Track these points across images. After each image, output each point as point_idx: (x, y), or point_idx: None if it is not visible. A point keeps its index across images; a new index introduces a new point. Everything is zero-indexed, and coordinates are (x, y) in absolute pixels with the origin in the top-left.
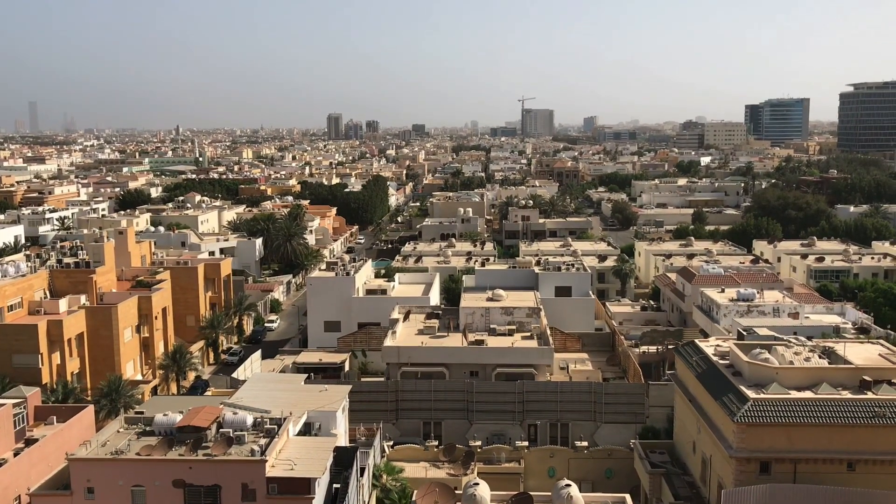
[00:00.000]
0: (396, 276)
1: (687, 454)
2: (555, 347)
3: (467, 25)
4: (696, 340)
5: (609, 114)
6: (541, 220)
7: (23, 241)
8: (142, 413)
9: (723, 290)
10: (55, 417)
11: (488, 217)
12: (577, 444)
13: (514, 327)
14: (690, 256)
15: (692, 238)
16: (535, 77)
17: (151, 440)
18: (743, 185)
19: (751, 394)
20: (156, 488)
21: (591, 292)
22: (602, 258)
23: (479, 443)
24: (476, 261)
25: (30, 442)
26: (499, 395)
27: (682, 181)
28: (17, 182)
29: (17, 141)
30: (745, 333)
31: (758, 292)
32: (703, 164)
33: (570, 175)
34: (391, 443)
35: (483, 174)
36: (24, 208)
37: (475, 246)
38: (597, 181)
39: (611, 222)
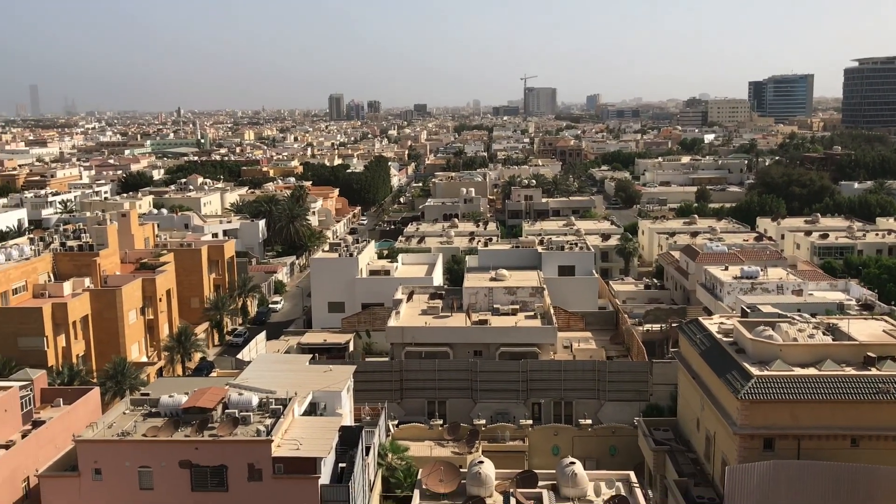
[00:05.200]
0: (399, 256)
1: (691, 431)
2: (558, 326)
3: (469, 3)
4: (700, 318)
5: (612, 92)
6: (544, 200)
7: (26, 224)
8: (147, 395)
9: (726, 268)
10: (61, 399)
11: (491, 197)
12: (581, 421)
13: (517, 307)
14: (694, 234)
15: (696, 216)
16: (537, 55)
17: (157, 421)
18: (746, 162)
19: (754, 371)
20: (162, 469)
21: (594, 271)
22: (605, 237)
23: (483, 421)
24: (479, 241)
25: (37, 424)
26: (503, 374)
27: (685, 159)
28: (20, 165)
29: (19, 124)
30: (748, 311)
31: (761, 270)
32: (706, 141)
33: (573, 154)
34: (396, 422)
35: (485, 154)
36: (26, 192)
37: (478, 226)
38: (600, 160)
39: (614, 201)
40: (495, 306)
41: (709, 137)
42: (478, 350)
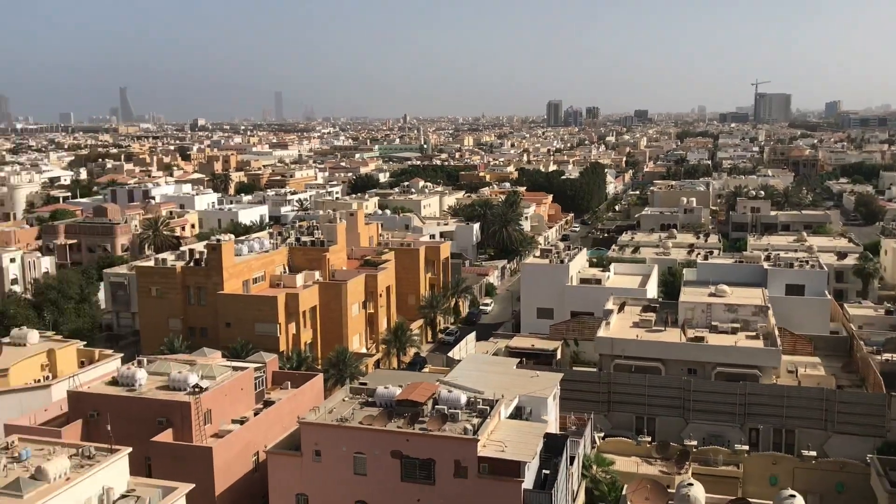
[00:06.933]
0: (612, 265)
1: None
2: (783, 349)
3: (694, 6)
4: None
5: (855, 98)
6: (772, 213)
7: (267, 220)
8: (365, 384)
9: None
10: (289, 383)
11: (713, 208)
12: (805, 453)
13: (737, 325)
14: None
15: None
16: (769, 59)
17: (373, 411)
18: None
19: None
20: (375, 457)
21: (826, 292)
22: (841, 255)
23: (694, 442)
24: (698, 253)
25: (267, 404)
26: (718, 395)
27: None
28: (264, 166)
29: (264, 128)
30: None
31: None
32: None
33: (808, 164)
34: (602, 434)
35: (709, 162)
36: (269, 190)
37: (698, 238)
38: (838, 171)
39: (853, 216)
40: (713, 323)
41: None
42: (692, 368)
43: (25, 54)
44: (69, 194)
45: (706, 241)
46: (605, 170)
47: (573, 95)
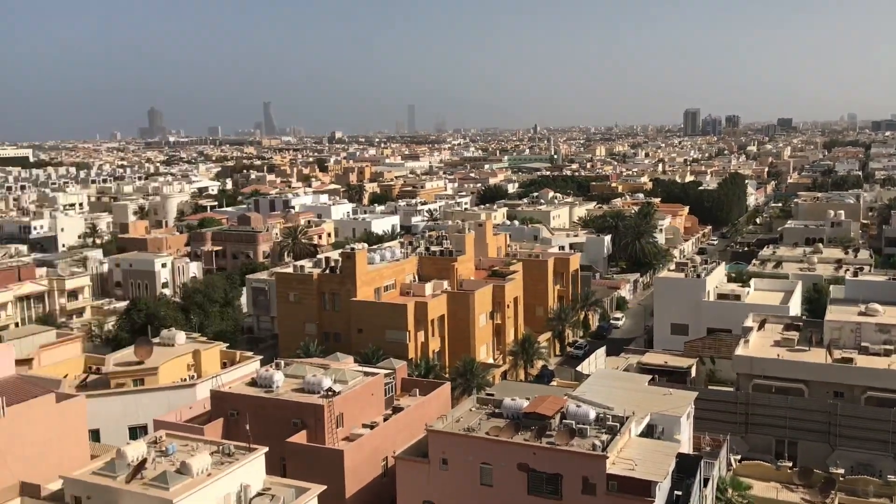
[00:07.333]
0: (752, 281)
1: None
2: None
3: (841, 6)
4: None
5: None
6: None
7: (398, 229)
8: (492, 395)
9: None
10: (418, 390)
11: (864, 221)
12: None
13: (890, 347)
14: None
15: None
16: None
17: (499, 422)
18: None
19: None
20: (501, 469)
21: None
22: None
23: (841, 471)
24: (847, 269)
25: (396, 410)
26: (869, 420)
27: None
28: (396, 177)
29: (397, 140)
30: None
31: None
32: None
33: None
34: (738, 457)
35: (860, 173)
36: (400, 200)
37: (846, 253)
38: None
39: None
40: (863, 344)
41: None
42: (838, 391)
43: (178, 73)
44: (216, 203)
45: (856, 256)
46: (746, 181)
47: (712, 103)
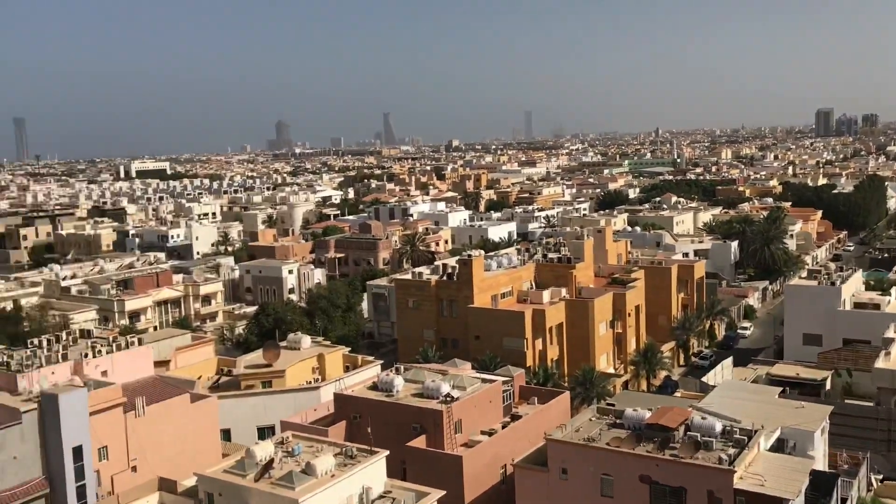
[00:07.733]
0: (893, 289)
1: None
2: None
3: None
4: None
5: None
6: None
7: (515, 236)
8: (612, 405)
9: None
10: (536, 398)
11: None
12: None
13: None
14: None
15: None
16: None
17: (620, 433)
18: None
19: None
20: (623, 480)
21: None
22: None
23: None
24: None
25: (515, 417)
26: None
27: None
28: (513, 184)
29: (514, 147)
30: None
31: None
32: None
33: None
34: (880, 477)
35: None
36: (517, 207)
37: None
38: None
39: None
40: None
41: None
42: None
43: (304, 86)
44: (339, 212)
45: None
46: (886, 183)
47: (847, 102)
